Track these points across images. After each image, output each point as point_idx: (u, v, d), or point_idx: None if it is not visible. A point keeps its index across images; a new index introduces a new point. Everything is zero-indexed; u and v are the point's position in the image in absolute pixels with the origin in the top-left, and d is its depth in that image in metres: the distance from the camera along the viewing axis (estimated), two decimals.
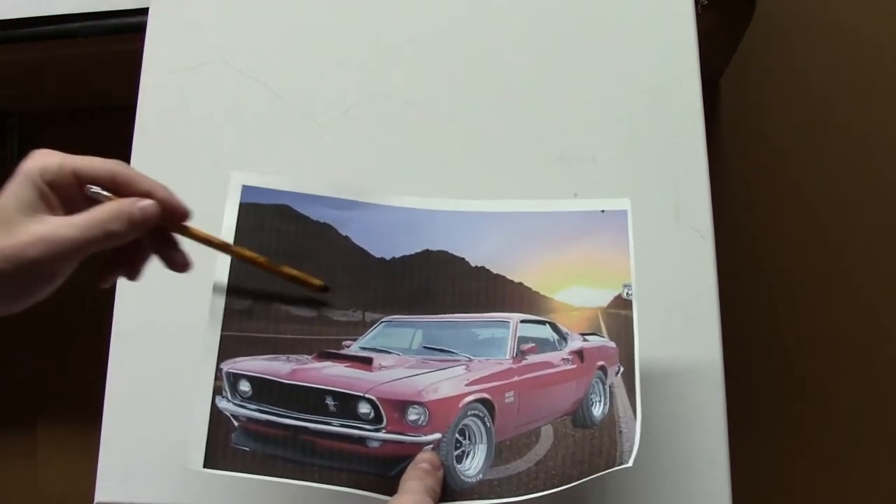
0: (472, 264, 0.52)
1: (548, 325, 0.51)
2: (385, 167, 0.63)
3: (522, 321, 0.51)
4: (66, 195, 0.44)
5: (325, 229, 0.52)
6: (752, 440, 0.99)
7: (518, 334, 0.51)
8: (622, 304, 0.50)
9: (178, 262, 0.49)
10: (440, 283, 0.52)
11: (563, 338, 0.52)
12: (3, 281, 0.41)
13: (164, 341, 0.62)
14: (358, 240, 0.53)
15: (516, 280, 0.52)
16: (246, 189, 0.52)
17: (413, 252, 0.53)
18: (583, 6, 0.65)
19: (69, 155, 0.44)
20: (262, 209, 0.52)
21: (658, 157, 0.60)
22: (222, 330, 0.51)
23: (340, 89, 0.66)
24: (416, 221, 0.53)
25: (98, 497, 0.59)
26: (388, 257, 0.53)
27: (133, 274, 0.49)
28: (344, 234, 0.53)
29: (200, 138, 0.66)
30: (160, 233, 0.47)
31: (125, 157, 0.65)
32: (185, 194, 0.64)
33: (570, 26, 0.64)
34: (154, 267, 0.63)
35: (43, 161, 0.43)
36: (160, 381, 0.61)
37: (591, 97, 0.63)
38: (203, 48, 0.68)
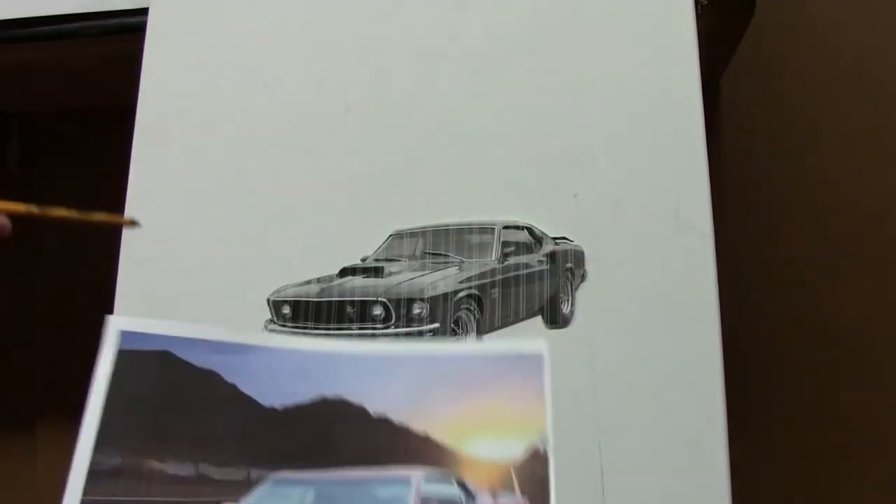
0: (373, 413, 0.49)
1: (454, 483, 0.47)
2: (385, 167, 0.63)
3: (426, 479, 0.47)
4: None
5: (210, 376, 0.48)
6: (752, 440, 0.99)
7: (422, 493, 0.47)
8: (537, 458, 0.47)
9: None
10: (337, 435, 0.48)
11: (471, 496, 0.47)
12: None
13: None
14: (246, 387, 0.48)
15: (421, 431, 0.48)
16: (125, 335, 0.48)
17: (307, 400, 0.49)
18: (583, 6, 0.65)
19: None
20: (140, 356, 0.48)
21: (658, 157, 0.60)
22: (84, 495, 0.45)
23: (340, 89, 0.66)
24: (312, 366, 0.49)
25: None
26: (279, 406, 0.49)
27: None
28: (230, 381, 0.49)
29: (200, 138, 0.66)
30: None
31: (125, 157, 0.65)
32: (184, 194, 0.64)
33: (570, 26, 0.64)
34: (154, 267, 0.63)
35: None
36: None
37: (591, 97, 0.63)
38: (203, 48, 0.68)
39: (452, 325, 0.58)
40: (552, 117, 0.63)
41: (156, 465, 0.46)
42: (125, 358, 0.48)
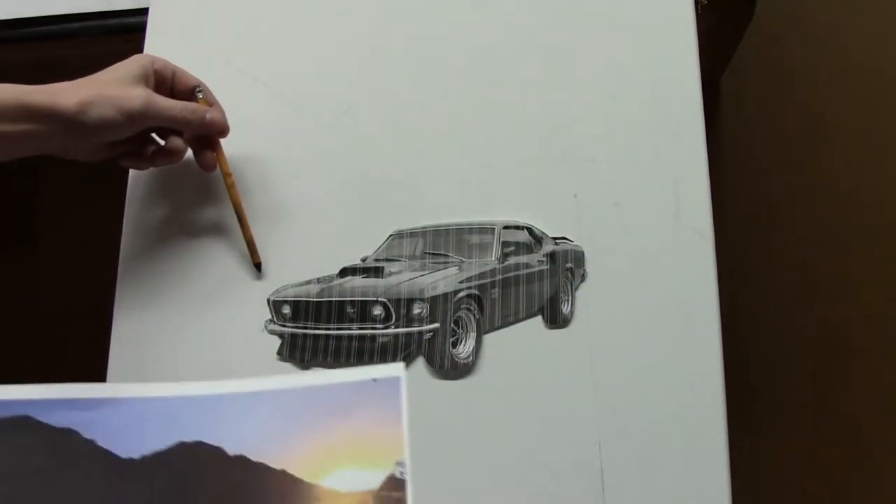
0: (231, 454, 0.48)
1: None
2: (385, 167, 0.63)
3: None
4: (160, 85, 0.59)
5: (68, 436, 0.47)
6: (753, 441, 0.99)
7: None
8: (395, 485, 0.46)
9: (205, 164, 0.62)
10: (195, 480, 0.47)
11: None
12: (108, 125, 0.55)
13: (164, 342, 0.62)
14: (104, 441, 0.47)
15: (279, 467, 0.47)
16: None
17: (165, 446, 0.48)
18: (583, 6, 0.65)
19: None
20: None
21: (658, 157, 0.60)
22: None
23: (340, 89, 0.66)
24: (169, 411, 0.48)
25: None
26: (136, 456, 0.47)
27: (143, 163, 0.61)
28: (89, 437, 0.47)
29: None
30: (203, 138, 0.62)
31: None
32: (183, 193, 0.64)
33: (571, 26, 0.64)
34: (155, 267, 0.64)
35: (154, 56, 0.60)
36: (160, 381, 0.61)
37: (591, 97, 0.63)
38: (203, 48, 0.68)
39: (452, 325, 0.58)
40: (552, 117, 0.63)
41: None
42: None
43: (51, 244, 1.19)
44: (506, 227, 0.60)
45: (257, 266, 0.62)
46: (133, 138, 0.58)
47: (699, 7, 0.64)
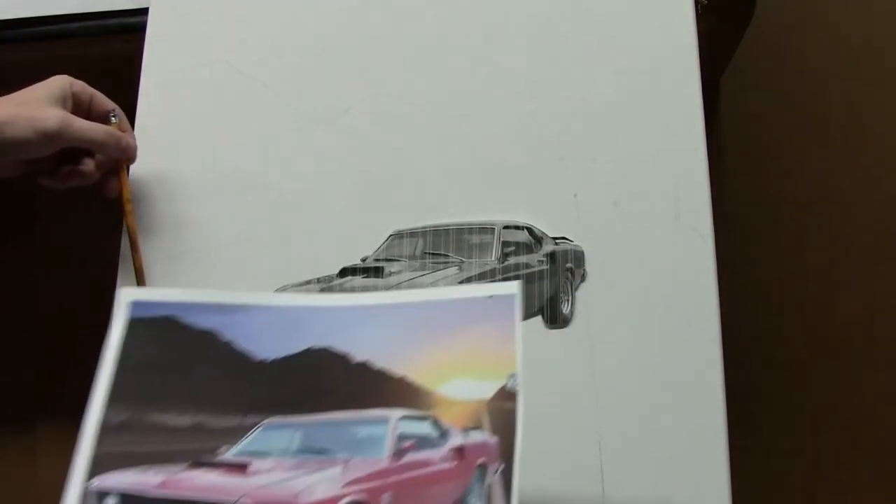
0: (355, 360, 0.51)
1: (429, 421, 0.49)
2: (385, 167, 0.63)
3: (403, 417, 0.49)
4: (77, 107, 0.60)
5: (208, 337, 0.52)
6: (752, 440, 0.99)
7: (398, 431, 0.49)
8: (506, 397, 0.47)
9: (109, 189, 0.63)
10: (322, 382, 0.51)
11: (444, 434, 0.49)
12: (24, 144, 0.56)
13: None
14: (241, 343, 0.52)
15: (399, 374, 0.50)
16: (135, 305, 0.52)
17: (295, 352, 0.51)
18: (583, 6, 0.65)
19: None
20: (148, 323, 0.52)
21: (658, 157, 0.60)
22: (96, 447, 0.48)
23: (340, 89, 0.66)
24: (300, 319, 0.52)
25: None
26: (270, 359, 0.51)
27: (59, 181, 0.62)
28: (227, 338, 0.52)
29: (201, 138, 0.66)
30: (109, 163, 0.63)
31: None
32: (183, 194, 0.65)
33: (571, 26, 0.64)
34: (156, 269, 0.64)
35: (72, 78, 0.61)
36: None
37: (591, 97, 0.63)
38: (203, 48, 0.68)
39: None
40: (552, 117, 0.63)
41: (158, 418, 0.49)
42: (133, 326, 0.51)
43: (49, 243, 1.19)
44: (506, 227, 0.60)
45: (140, 283, 0.62)
46: (50, 157, 0.59)
47: (699, 7, 0.64)
